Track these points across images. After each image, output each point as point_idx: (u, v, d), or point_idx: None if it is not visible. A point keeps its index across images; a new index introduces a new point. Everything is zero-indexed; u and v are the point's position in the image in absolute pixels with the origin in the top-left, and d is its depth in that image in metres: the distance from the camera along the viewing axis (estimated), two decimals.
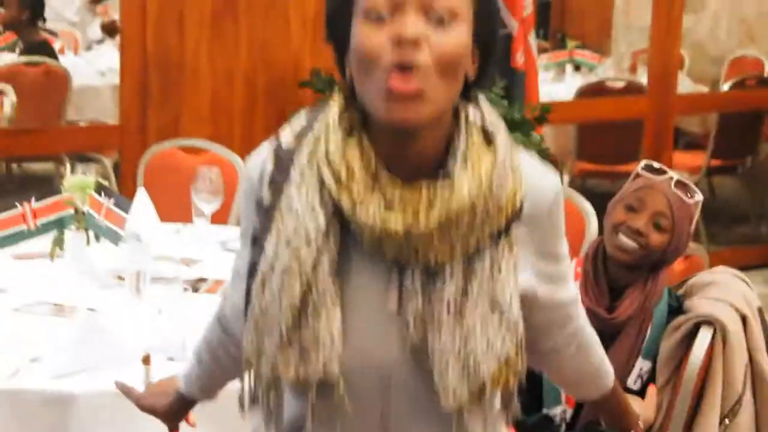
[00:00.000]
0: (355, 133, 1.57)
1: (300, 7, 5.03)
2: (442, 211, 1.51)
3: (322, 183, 1.55)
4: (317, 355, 1.54)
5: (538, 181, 1.64)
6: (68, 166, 5.76)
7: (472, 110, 1.61)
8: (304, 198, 1.55)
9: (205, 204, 3.59)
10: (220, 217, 3.83)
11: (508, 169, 1.56)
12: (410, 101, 1.50)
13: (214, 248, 3.58)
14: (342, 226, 1.55)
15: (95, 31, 8.16)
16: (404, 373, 1.59)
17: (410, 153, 1.57)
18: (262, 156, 1.64)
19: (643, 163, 2.89)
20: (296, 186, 1.56)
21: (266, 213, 1.59)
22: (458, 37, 1.53)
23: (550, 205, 1.66)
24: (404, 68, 1.49)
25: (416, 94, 1.49)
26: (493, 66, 1.62)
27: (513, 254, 1.58)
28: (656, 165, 2.87)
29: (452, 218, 1.51)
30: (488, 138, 1.58)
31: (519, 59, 5.30)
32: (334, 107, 1.60)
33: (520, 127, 4.79)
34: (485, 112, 1.61)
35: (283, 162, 1.60)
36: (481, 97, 1.64)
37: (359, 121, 1.59)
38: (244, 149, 4.72)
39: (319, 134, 1.58)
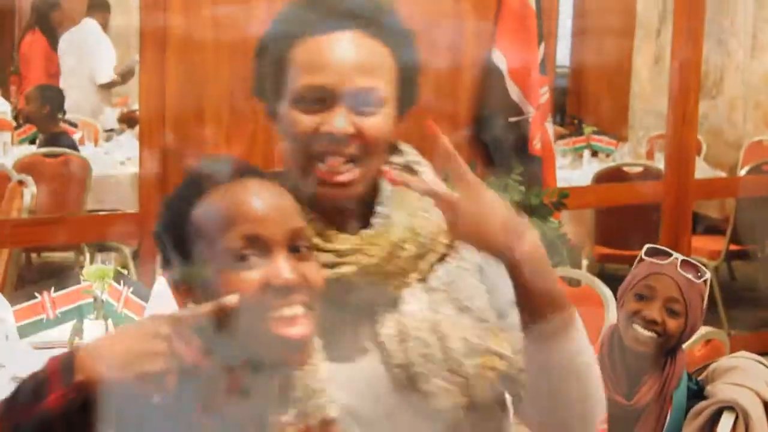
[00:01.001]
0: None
1: None
2: (384, 246, 1.65)
3: None
4: (312, 405, 1.61)
5: None
6: (87, 255, 5.79)
7: (394, 157, 1.74)
8: None
9: None
10: None
11: None
12: (341, 187, 1.63)
13: None
14: None
15: (115, 121, 8.26)
16: (398, 395, 1.66)
17: (341, 209, 1.68)
18: None
19: (646, 247, 2.87)
20: None
21: None
22: (387, 117, 1.66)
23: None
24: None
25: (347, 184, 1.63)
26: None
27: (465, 262, 1.72)
28: (659, 248, 2.85)
29: (394, 249, 1.66)
30: (410, 172, 1.72)
31: (536, 145, 5.31)
32: None
33: (538, 213, 4.79)
34: (406, 153, 1.76)
35: None
36: (400, 143, 1.76)
37: (291, 191, 1.64)
38: None
39: None
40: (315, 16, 1.66)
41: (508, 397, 1.76)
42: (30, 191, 5.61)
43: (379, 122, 1.64)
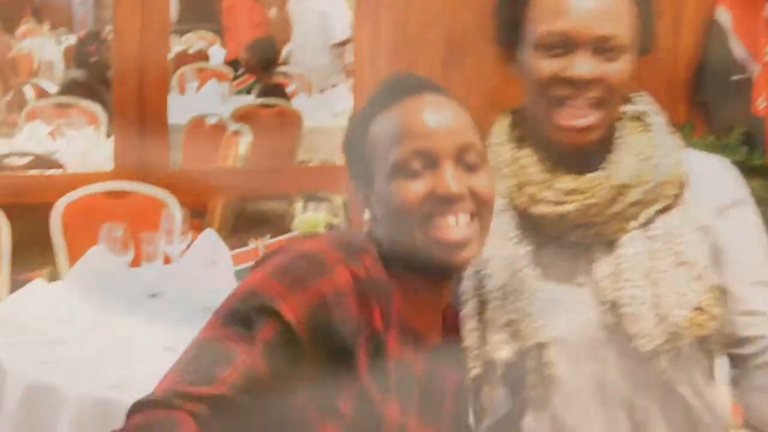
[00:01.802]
0: (527, 143, 1.75)
1: None
2: (608, 188, 1.68)
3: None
4: (527, 327, 1.68)
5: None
6: (299, 204, 5.87)
7: (627, 106, 1.77)
8: None
9: None
10: None
11: (668, 146, 1.73)
12: (580, 132, 1.67)
13: None
14: (525, 219, 1.72)
15: (331, 74, 8.30)
16: (605, 332, 1.70)
17: (574, 151, 1.72)
18: None
19: None
20: None
21: None
22: (627, 62, 1.68)
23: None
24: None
25: (586, 128, 1.67)
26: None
27: (689, 218, 1.71)
28: None
29: (617, 193, 1.68)
30: (642, 122, 1.75)
31: (760, 105, 5.12)
32: (504, 122, 1.78)
33: (762, 174, 4.61)
34: (638, 101, 1.77)
35: None
36: (634, 95, 1.78)
37: (529, 131, 1.76)
38: None
39: (494, 145, 1.75)
40: None
41: (715, 358, 1.78)
42: (245, 140, 5.72)
43: (620, 68, 1.67)
